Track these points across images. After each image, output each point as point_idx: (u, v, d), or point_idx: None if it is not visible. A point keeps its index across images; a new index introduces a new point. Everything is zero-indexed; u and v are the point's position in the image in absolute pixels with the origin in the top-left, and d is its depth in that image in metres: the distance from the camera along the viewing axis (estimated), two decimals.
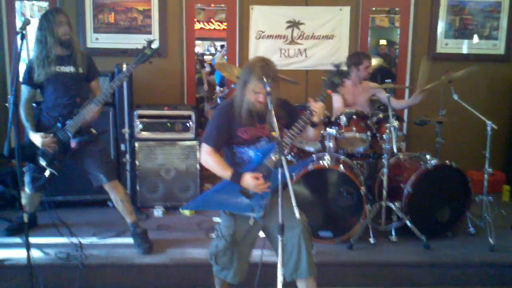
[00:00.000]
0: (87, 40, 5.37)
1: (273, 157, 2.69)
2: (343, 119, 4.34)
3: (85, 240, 3.90)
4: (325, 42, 5.61)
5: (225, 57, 5.90)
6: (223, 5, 5.80)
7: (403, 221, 4.02)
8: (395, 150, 4.07)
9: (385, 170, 4.10)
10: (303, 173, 4.03)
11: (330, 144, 4.26)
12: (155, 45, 3.71)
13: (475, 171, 5.00)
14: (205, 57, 8.75)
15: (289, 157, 4.63)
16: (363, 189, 3.99)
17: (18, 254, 3.56)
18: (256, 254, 2.93)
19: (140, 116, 4.68)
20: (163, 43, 5.40)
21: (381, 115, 4.49)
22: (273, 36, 5.58)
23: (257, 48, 5.56)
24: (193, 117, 4.70)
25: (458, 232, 4.21)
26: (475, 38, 5.68)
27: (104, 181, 3.76)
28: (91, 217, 4.50)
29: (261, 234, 2.93)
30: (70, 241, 3.80)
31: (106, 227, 4.21)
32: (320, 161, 4.13)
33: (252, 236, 2.87)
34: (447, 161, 4.16)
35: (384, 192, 4.08)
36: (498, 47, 5.69)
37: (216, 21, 8.06)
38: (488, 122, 4.12)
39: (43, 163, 3.63)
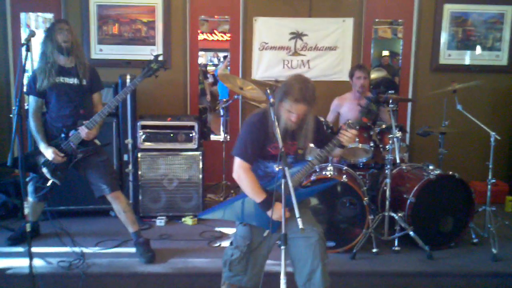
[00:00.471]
0: (91, 51, 5.42)
1: (297, 177, 2.71)
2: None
3: (87, 249, 3.91)
4: (328, 53, 5.64)
5: (228, 68, 5.92)
6: (226, 17, 5.85)
7: (406, 231, 4.00)
8: (398, 160, 4.07)
9: (388, 180, 4.09)
10: (306, 184, 4.03)
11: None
12: (162, 59, 3.74)
13: (478, 182, 4.99)
14: (208, 68, 8.80)
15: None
16: (366, 199, 3.99)
17: (20, 263, 3.57)
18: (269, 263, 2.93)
19: (143, 127, 4.70)
20: (167, 54, 5.44)
21: (384, 126, 4.50)
22: (276, 47, 5.61)
23: (260, 59, 5.59)
24: (196, 128, 4.72)
25: (461, 242, 4.20)
26: (478, 49, 5.70)
27: (107, 192, 3.76)
28: (94, 226, 4.50)
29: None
30: (72, 250, 3.81)
31: (109, 236, 4.21)
32: (323, 172, 4.14)
33: (268, 247, 2.86)
34: (450, 172, 4.16)
35: (387, 203, 4.07)
36: (501, 58, 5.71)
37: (219, 32, 8.12)
38: (492, 133, 4.12)
39: (46, 173, 3.65)
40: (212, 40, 8.31)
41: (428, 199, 4.09)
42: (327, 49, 5.62)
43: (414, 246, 4.00)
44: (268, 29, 5.58)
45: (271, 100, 2.63)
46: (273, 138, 2.69)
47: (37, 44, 3.72)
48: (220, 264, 2.93)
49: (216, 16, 7.14)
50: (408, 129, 5.64)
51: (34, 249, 3.15)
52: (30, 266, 3.03)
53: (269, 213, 2.64)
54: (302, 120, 2.77)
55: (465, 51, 5.71)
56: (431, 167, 4.25)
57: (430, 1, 5.60)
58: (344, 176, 4.04)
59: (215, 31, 8.25)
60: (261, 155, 2.79)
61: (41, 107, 3.75)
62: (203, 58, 8.13)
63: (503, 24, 5.67)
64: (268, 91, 2.70)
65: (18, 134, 3.05)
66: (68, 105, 3.72)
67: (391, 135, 4.09)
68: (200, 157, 4.68)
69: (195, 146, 4.71)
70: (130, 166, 4.64)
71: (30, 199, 3.85)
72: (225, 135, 5.37)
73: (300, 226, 2.26)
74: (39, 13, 5.82)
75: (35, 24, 5.79)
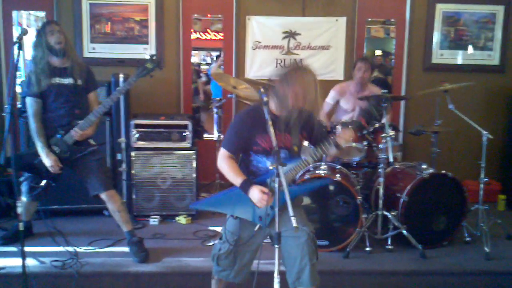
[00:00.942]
0: (84, 50, 5.39)
1: (290, 174, 2.70)
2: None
3: (80, 249, 3.89)
4: (321, 52, 5.65)
5: (222, 67, 5.92)
6: (219, 16, 5.85)
7: (399, 230, 4.02)
8: (391, 159, 4.09)
9: (381, 179, 4.11)
10: (299, 182, 4.04)
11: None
12: (156, 59, 3.74)
13: (471, 181, 5.02)
14: (201, 67, 8.79)
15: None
16: (359, 198, 4.00)
17: (13, 263, 3.55)
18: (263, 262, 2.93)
19: (137, 126, 4.69)
20: (160, 53, 5.43)
21: (377, 125, 4.52)
22: (270, 46, 5.61)
23: (254, 58, 5.59)
24: (190, 127, 4.71)
25: (454, 240, 4.23)
26: (470, 49, 5.73)
27: (101, 191, 3.75)
28: (87, 226, 4.48)
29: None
30: (65, 249, 3.79)
31: (102, 235, 4.20)
32: (317, 171, 4.15)
33: (257, 243, 2.87)
34: (443, 171, 4.19)
35: (380, 201, 4.08)
36: (492, 58, 5.74)
37: (212, 31, 8.11)
38: (484, 132, 4.15)
39: (40, 172, 3.64)
40: (205, 39, 8.30)
41: (421, 198, 4.12)
42: (320, 49, 5.63)
43: (407, 245, 4.02)
44: (261, 28, 5.58)
45: (265, 99, 2.63)
46: (264, 131, 2.66)
47: (29, 42, 3.71)
48: None
49: (209, 15, 7.14)
50: (401, 128, 5.66)
51: (27, 249, 3.13)
52: (23, 265, 3.01)
53: (250, 193, 2.65)
54: (299, 114, 2.75)
55: (457, 51, 5.74)
56: (424, 166, 4.27)
57: (423, 1, 5.63)
58: (338, 175, 4.06)
59: (208, 30, 8.24)
60: (252, 148, 2.78)
61: (41, 108, 3.72)
62: (196, 57, 8.12)
63: (495, 24, 5.70)
64: (262, 90, 2.70)
65: (11, 132, 3.03)
66: (64, 106, 3.71)
67: (384, 134, 4.11)
68: (194, 156, 4.68)
69: (189, 145, 4.71)
70: (124, 165, 4.62)
71: (23, 198, 3.82)
72: (219, 134, 5.37)
73: (294, 224, 2.27)
74: (31, 11, 5.78)
75: (27, 22, 5.76)
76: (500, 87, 5.70)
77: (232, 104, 5.57)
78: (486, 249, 3.97)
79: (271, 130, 2.53)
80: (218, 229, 4.40)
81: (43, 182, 3.64)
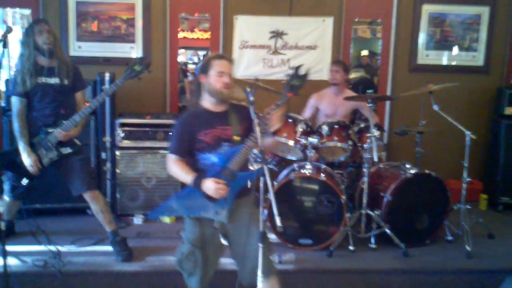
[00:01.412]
0: (70, 49, 5.36)
1: (238, 161, 2.70)
2: (325, 128, 4.38)
3: (63, 248, 3.88)
4: (308, 52, 5.66)
5: None
6: (206, 15, 5.84)
7: (382, 229, 4.05)
8: (375, 159, 4.12)
9: (365, 179, 4.14)
10: (285, 182, 4.06)
11: (311, 153, 4.29)
12: (146, 62, 3.76)
13: (454, 180, 5.06)
14: (188, 66, 8.75)
15: (270, 165, 4.65)
16: (343, 197, 4.03)
17: None
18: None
19: (122, 125, 4.68)
20: (147, 52, 5.41)
21: (362, 125, 4.55)
22: (257, 46, 5.61)
23: (241, 58, 5.59)
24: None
25: (436, 239, 4.28)
26: (455, 50, 5.77)
27: (84, 191, 3.74)
28: (70, 225, 4.47)
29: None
30: (48, 248, 3.77)
31: (85, 235, 4.19)
32: (302, 170, 4.17)
33: (218, 241, 2.88)
34: (426, 170, 4.23)
35: (364, 201, 4.11)
36: (477, 59, 5.78)
37: (199, 30, 8.09)
38: (467, 133, 4.19)
39: (22, 171, 3.62)
40: (193, 38, 8.27)
41: (405, 197, 4.16)
42: (307, 48, 5.64)
43: (390, 244, 4.05)
44: (249, 28, 5.58)
45: (251, 98, 2.66)
46: (202, 126, 2.78)
47: (14, 40, 3.69)
48: None
49: (196, 14, 7.11)
50: (386, 128, 5.69)
51: (9, 248, 3.13)
52: (4, 265, 3.00)
53: (204, 187, 2.68)
54: (234, 106, 2.89)
55: (443, 52, 5.77)
56: (408, 166, 4.31)
57: (409, 2, 5.65)
58: (322, 175, 4.08)
59: (195, 29, 8.21)
60: (195, 147, 2.80)
61: (26, 108, 3.69)
62: (183, 56, 8.08)
63: (480, 25, 5.74)
64: (248, 89, 2.72)
65: None
66: (49, 105, 3.70)
67: (369, 134, 4.14)
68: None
69: None
70: (108, 164, 4.61)
71: (5, 197, 3.80)
72: None
73: (279, 224, 2.30)
74: (17, 9, 5.75)
75: (12, 20, 5.71)
76: (484, 88, 5.75)
77: None
78: (468, 248, 4.01)
79: (258, 130, 2.55)
80: None
81: (25, 181, 3.62)
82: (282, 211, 3.91)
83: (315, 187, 4.10)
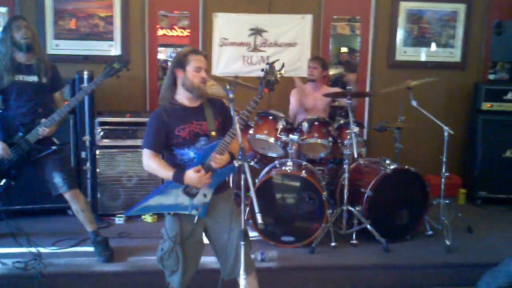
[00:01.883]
0: (48, 47, 5.28)
1: (216, 156, 2.69)
2: (305, 125, 4.40)
3: (44, 249, 3.83)
4: (288, 49, 5.68)
5: None
6: (186, 12, 5.81)
7: (363, 225, 4.09)
8: (355, 155, 4.16)
9: (346, 175, 4.17)
10: (266, 179, 4.08)
11: (292, 150, 4.31)
12: (124, 60, 3.73)
13: (433, 175, 5.13)
14: (168, 64, 8.67)
15: (252, 163, 4.66)
16: (324, 194, 4.06)
17: None
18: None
19: (102, 123, 4.64)
20: (125, 50, 5.37)
21: (342, 121, 4.59)
22: (236, 43, 5.61)
23: (220, 55, 5.58)
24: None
25: (416, 234, 4.33)
26: (433, 46, 5.84)
27: (64, 190, 3.68)
28: (51, 226, 4.42)
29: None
30: (28, 250, 3.73)
31: (66, 235, 4.14)
32: (283, 167, 4.18)
33: (198, 237, 2.89)
34: (405, 166, 4.28)
35: (345, 197, 4.15)
36: (454, 55, 5.87)
37: (179, 28, 8.02)
38: (445, 128, 4.25)
39: None
40: (172, 35, 8.20)
41: (385, 193, 4.20)
42: (286, 46, 5.66)
43: (372, 239, 4.10)
44: (228, 25, 5.58)
45: (231, 95, 2.66)
46: (178, 121, 2.78)
47: None
48: None
49: (175, 12, 7.07)
50: (365, 124, 5.74)
51: None
52: None
53: (185, 180, 2.68)
54: (209, 100, 2.90)
55: (421, 48, 5.84)
56: (387, 162, 4.35)
57: None
58: (303, 171, 4.10)
59: (175, 26, 8.14)
60: (172, 142, 2.80)
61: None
62: (163, 54, 8.04)
63: (457, 22, 5.82)
64: (227, 87, 2.72)
65: None
66: (27, 103, 3.64)
67: (349, 131, 4.18)
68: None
69: None
70: (88, 164, 4.57)
71: None
72: None
73: (260, 221, 2.31)
74: None
75: None
76: (461, 84, 5.84)
77: None
78: (447, 242, 4.07)
79: (238, 127, 2.56)
80: None
81: (3, 182, 3.57)
82: (264, 209, 3.94)
83: (297, 184, 4.12)
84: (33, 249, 3.75)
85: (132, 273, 3.63)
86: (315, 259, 3.90)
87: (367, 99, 5.85)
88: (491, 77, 5.78)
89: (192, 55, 2.83)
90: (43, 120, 3.57)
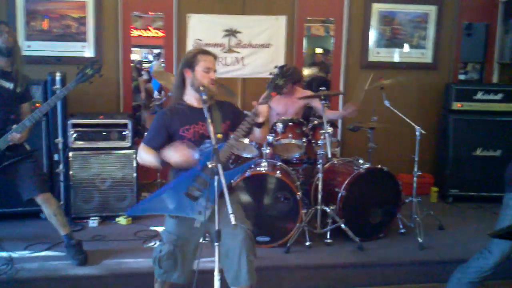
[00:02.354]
0: None
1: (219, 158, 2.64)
2: (279, 126, 4.42)
3: (16, 254, 3.78)
4: (262, 50, 5.70)
5: (163, 65, 5.86)
6: (160, 13, 5.79)
7: (337, 224, 4.13)
8: (329, 155, 4.20)
9: (320, 175, 4.21)
10: (241, 179, 4.08)
11: (266, 150, 4.32)
12: (97, 66, 3.72)
13: (406, 174, 5.21)
14: (143, 64, 8.66)
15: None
16: (299, 194, 4.08)
17: None
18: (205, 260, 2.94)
19: (75, 125, 4.58)
20: (99, 51, 5.32)
21: (316, 122, 4.62)
22: (211, 44, 5.59)
23: None
24: (129, 126, 4.66)
25: (389, 232, 4.39)
26: (405, 47, 5.93)
27: (36, 194, 3.64)
28: (23, 230, 4.35)
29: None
30: None
31: (39, 239, 4.07)
32: (257, 167, 4.20)
33: (197, 240, 2.87)
34: (378, 165, 4.33)
35: (319, 196, 4.18)
36: (426, 55, 5.96)
37: (154, 28, 8.01)
38: (417, 127, 4.32)
39: None
40: (147, 36, 8.20)
41: (359, 192, 4.25)
42: (260, 47, 5.68)
43: (346, 238, 4.13)
44: (202, 26, 5.57)
45: (204, 97, 2.66)
46: (184, 122, 2.77)
47: None
48: None
49: (150, 12, 7.05)
50: (339, 124, 5.79)
51: None
52: None
53: (168, 158, 2.66)
54: (218, 102, 2.88)
55: (393, 49, 5.93)
56: (360, 161, 4.41)
57: (360, 0, 5.78)
58: (278, 172, 4.12)
59: (149, 27, 8.14)
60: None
61: None
62: (137, 55, 7.99)
63: (428, 23, 5.92)
64: (201, 88, 2.72)
65: None
66: (1, 109, 3.58)
67: (322, 131, 4.22)
68: (134, 156, 4.62)
69: (129, 144, 4.65)
70: (61, 166, 4.51)
71: None
72: None
73: (233, 222, 2.29)
74: None
75: None
76: (433, 84, 5.93)
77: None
78: (420, 240, 4.14)
79: (212, 130, 2.54)
80: (160, 229, 4.36)
81: None
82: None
83: (271, 184, 4.14)
84: (4, 254, 3.69)
85: (107, 276, 3.59)
86: (290, 259, 3.93)
87: (340, 99, 5.90)
88: (462, 77, 5.92)
89: (201, 55, 2.83)
90: (14, 126, 3.52)
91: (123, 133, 4.63)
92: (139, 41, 7.97)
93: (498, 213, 3.07)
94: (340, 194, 4.18)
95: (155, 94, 7.69)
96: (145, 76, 8.64)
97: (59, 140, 4.54)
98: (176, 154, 2.64)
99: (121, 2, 5.42)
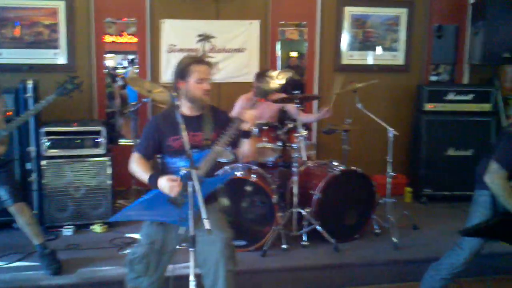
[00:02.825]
0: None
1: (205, 166, 2.66)
2: (254, 130, 4.43)
3: None
4: (236, 55, 5.71)
5: (136, 71, 5.83)
6: (133, 19, 5.76)
7: (313, 226, 4.16)
8: (304, 158, 4.23)
9: (295, 178, 4.23)
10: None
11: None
12: (78, 81, 3.82)
13: (380, 175, 5.26)
14: (117, 71, 8.61)
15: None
16: (274, 197, 4.10)
17: None
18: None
19: (48, 133, 4.53)
20: (71, 58, 5.28)
21: (290, 125, 4.65)
22: (185, 49, 5.59)
23: (169, 62, 5.54)
24: (103, 133, 4.62)
25: (365, 233, 4.43)
26: (378, 50, 6.00)
27: (9, 204, 3.60)
28: None
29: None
30: None
31: (11, 249, 4.01)
32: (233, 172, 4.20)
33: (173, 246, 2.86)
34: (352, 167, 4.38)
35: (295, 199, 4.21)
36: (398, 58, 6.05)
37: (128, 34, 7.97)
38: (389, 129, 4.38)
39: None
40: (121, 42, 8.15)
41: (333, 194, 4.29)
42: (234, 51, 5.69)
43: (322, 240, 4.16)
44: (176, 32, 5.56)
45: (176, 103, 2.66)
46: (172, 131, 2.76)
47: None
48: None
49: (124, 18, 7.01)
50: (314, 127, 5.83)
51: None
52: None
53: (159, 184, 2.63)
54: (212, 110, 2.89)
55: (366, 52, 5.99)
56: (335, 164, 4.46)
57: (332, 4, 5.83)
58: (254, 176, 4.13)
59: (123, 33, 8.09)
60: (165, 151, 2.81)
61: None
62: (112, 61, 7.93)
63: (399, 26, 6.01)
64: (173, 94, 2.72)
65: None
66: None
67: (296, 134, 4.24)
68: (109, 163, 4.59)
69: (103, 151, 4.61)
70: (34, 175, 4.46)
71: None
72: (135, 138, 5.29)
73: (207, 227, 2.29)
74: None
75: None
76: (405, 86, 6.02)
77: (148, 108, 5.52)
78: (394, 240, 4.20)
79: (184, 133, 2.53)
80: (135, 236, 4.34)
81: None
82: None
83: (247, 188, 4.15)
84: None
85: (82, 285, 3.56)
86: (267, 262, 3.94)
87: (315, 103, 5.94)
88: (433, 78, 6.02)
89: (194, 65, 2.79)
90: None
91: (97, 140, 4.59)
92: (114, 47, 7.91)
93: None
94: (315, 197, 4.21)
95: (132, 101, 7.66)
96: (120, 82, 8.57)
97: (32, 148, 4.49)
98: (168, 188, 2.60)
99: (93, 8, 5.38)
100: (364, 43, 5.99)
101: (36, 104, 3.72)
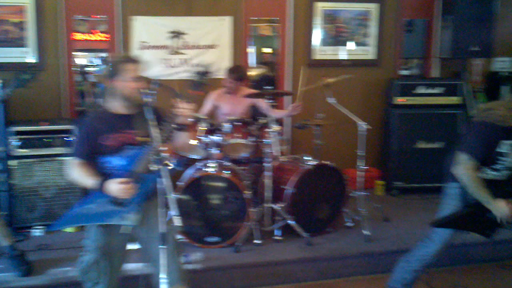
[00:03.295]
0: None
1: (143, 163, 2.64)
2: (227, 126, 4.44)
3: None
4: (208, 51, 5.70)
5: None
6: (104, 16, 5.69)
7: (285, 220, 4.19)
8: (276, 153, 4.25)
9: (267, 173, 4.25)
10: (189, 181, 4.08)
11: (214, 151, 4.33)
12: (33, 71, 3.63)
13: (352, 169, 5.31)
14: (88, 69, 8.49)
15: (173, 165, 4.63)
16: (247, 192, 4.11)
17: None
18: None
19: (16, 133, 4.46)
20: (40, 56, 5.19)
21: (263, 121, 4.66)
22: (157, 46, 5.56)
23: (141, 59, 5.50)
24: (73, 131, 4.57)
25: (337, 226, 4.48)
26: (350, 45, 6.04)
27: None
28: None
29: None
30: None
31: None
32: (205, 168, 4.20)
33: (123, 247, 2.84)
34: (324, 161, 4.41)
35: (267, 194, 4.23)
36: (369, 52, 6.11)
37: (100, 32, 7.86)
38: (359, 123, 4.43)
39: None
40: (93, 40, 8.03)
41: (306, 188, 4.32)
42: (207, 48, 5.68)
43: (295, 234, 4.20)
44: (147, 29, 5.52)
45: (147, 99, 2.65)
46: (105, 130, 2.75)
47: None
48: None
49: (94, 16, 6.92)
50: (287, 122, 5.85)
51: None
52: None
53: (109, 189, 2.63)
54: (140, 107, 2.82)
55: (338, 47, 6.03)
56: (307, 158, 4.49)
57: (303, 0, 5.85)
58: (226, 172, 4.14)
59: (94, 31, 7.97)
60: (100, 151, 2.77)
61: None
62: (83, 59, 7.84)
63: (370, 20, 6.06)
64: (143, 91, 2.70)
65: None
66: None
67: (268, 129, 4.26)
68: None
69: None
70: (2, 175, 4.38)
71: None
72: None
73: (179, 224, 2.31)
74: None
75: None
76: (377, 80, 6.08)
77: None
78: (366, 232, 4.25)
79: (155, 131, 2.55)
80: None
81: None
82: (188, 211, 3.97)
83: (220, 184, 4.15)
84: None
85: (52, 286, 3.53)
86: (240, 258, 3.96)
87: (288, 98, 5.96)
88: (404, 72, 6.08)
89: (125, 64, 2.78)
90: None
91: (67, 139, 4.54)
92: (85, 45, 7.79)
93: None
94: (287, 191, 4.23)
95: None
96: (91, 80, 8.44)
97: (0, 148, 4.41)
98: (119, 191, 2.61)
99: (62, 6, 5.31)
100: (336, 38, 6.03)
101: None
